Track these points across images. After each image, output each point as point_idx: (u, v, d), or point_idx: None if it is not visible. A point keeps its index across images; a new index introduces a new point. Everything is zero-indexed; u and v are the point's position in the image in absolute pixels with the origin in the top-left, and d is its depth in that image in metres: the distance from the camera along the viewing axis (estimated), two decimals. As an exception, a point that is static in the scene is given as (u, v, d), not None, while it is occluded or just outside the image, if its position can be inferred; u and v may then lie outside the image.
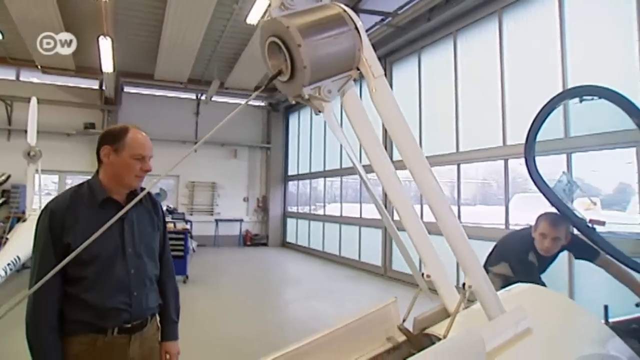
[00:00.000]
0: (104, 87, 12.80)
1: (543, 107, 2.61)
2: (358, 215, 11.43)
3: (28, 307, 1.69)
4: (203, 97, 14.08)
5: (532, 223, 2.87)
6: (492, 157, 7.41)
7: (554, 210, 2.63)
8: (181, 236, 8.11)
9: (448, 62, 8.28)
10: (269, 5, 1.16)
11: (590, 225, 2.54)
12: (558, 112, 5.76)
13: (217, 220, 14.29)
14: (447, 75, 8.29)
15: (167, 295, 2.02)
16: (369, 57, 1.21)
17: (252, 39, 10.16)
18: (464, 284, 1.31)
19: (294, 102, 1.25)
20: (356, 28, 1.18)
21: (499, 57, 7.13)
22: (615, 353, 1.43)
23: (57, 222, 1.73)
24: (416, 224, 1.37)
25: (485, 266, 3.11)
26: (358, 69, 1.23)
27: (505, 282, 2.99)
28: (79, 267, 1.71)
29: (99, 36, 8.80)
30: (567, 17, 6.04)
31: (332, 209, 12.84)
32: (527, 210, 7.80)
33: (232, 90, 13.42)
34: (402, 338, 1.49)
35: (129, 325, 1.81)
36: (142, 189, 1.96)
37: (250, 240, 15.07)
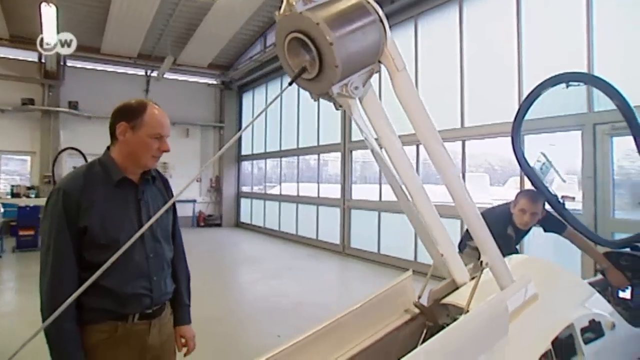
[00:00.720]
0: (43, 60, 11.85)
1: (531, 92, 2.88)
2: (315, 195, 11.63)
3: (45, 296, 1.58)
4: (154, 74, 13.49)
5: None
6: (450, 139, 7.82)
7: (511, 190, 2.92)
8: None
9: (409, 45, 8.54)
10: (287, 2, 1.09)
11: (561, 201, 2.88)
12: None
13: (169, 201, 13.90)
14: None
15: (180, 278, 1.95)
16: (392, 50, 1.22)
17: (209, 14, 9.84)
18: (481, 261, 1.49)
19: (314, 99, 1.22)
20: (380, 20, 1.16)
21: (459, 44, 7.47)
22: (599, 311, 1.69)
23: (72, 204, 1.60)
24: (430, 209, 1.50)
25: (463, 241, 3.39)
26: (379, 62, 1.23)
27: (480, 255, 3.29)
28: (98, 252, 1.62)
29: (40, 3, 8.11)
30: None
31: (289, 189, 12.94)
32: (474, 188, 8.43)
33: (185, 67, 12.97)
34: (418, 310, 1.65)
35: (150, 311, 1.76)
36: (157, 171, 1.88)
37: (203, 221, 14.90)
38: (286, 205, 12.81)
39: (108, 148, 1.78)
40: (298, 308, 5.69)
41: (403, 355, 1.50)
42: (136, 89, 13.60)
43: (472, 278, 1.72)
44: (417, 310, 1.63)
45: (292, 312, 5.54)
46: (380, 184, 9.54)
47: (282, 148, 13.03)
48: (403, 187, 1.44)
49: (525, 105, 2.92)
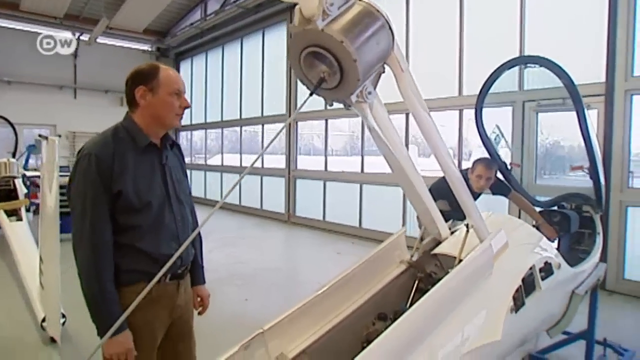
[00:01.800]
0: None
1: (493, 72, 3.31)
2: (259, 165, 11.73)
3: (87, 260, 1.61)
4: (83, 37, 12.44)
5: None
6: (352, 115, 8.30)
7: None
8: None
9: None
10: (300, 13, 1.15)
11: (509, 167, 3.39)
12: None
13: (103, 173, 13.19)
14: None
15: (195, 240, 2.00)
16: (397, 52, 1.33)
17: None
18: (467, 224, 1.81)
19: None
20: (388, 24, 1.25)
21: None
22: (549, 254, 2.15)
23: (106, 169, 1.61)
24: (421, 184, 1.72)
25: None
26: (384, 64, 1.32)
27: (444, 215, 3.76)
28: (132, 216, 1.67)
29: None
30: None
31: (231, 160, 12.89)
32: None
33: (119, 32, 12.14)
34: (414, 259, 1.98)
35: (180, 272, 1.83)
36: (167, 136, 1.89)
37: (141, 194, 14.38)
38: (228, 176, 12.78)
39: (128, 115, 1.78)
40: (258, 273, 5.96)
41: (406, 299, 1.84)
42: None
43: (451, 232, 2.09)
44: (408, 259, 1.95)
45: (253, 277, 5.80)
46: (325, 155, 9.90)
47: (224, 118, 12.86)
48: (405, 173, 1.61)
49: (489, 83, 3.38)
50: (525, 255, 2.03)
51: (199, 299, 2.06)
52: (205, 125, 13.88)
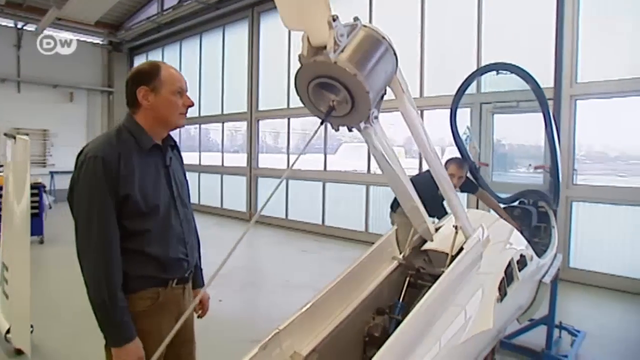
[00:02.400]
0: None
1: (469, 76, 3.52)
2: (220, 164, 11.59)
3: (95, 267, 1.54)
4: (28, 27, 11.70)
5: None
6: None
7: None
8: (35, 191, 6.79)
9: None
10: (307, 41, 1.16)
11: (478, 166, 3.64)
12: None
13: (52, 173, 12.52)
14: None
15: (196, 244, 1.95)
16: (399, 75, 1.37)
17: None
18: (455, 226, 1.96)
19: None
20: (393, 51, 1.27)
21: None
22: (523, 247, 2.37)
23: (113, 172, 1.55)
24: (411, 188, 1.78)
25: (396, 201, 4.01)
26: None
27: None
28: (141, 220, 1.62)
29: None
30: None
31: (190, 158, 12.63)
32: (352, 157, 9.34)
33: (68, 23, 11.45)
34: (404, 256, 2.12)
35: (186, 275, 1.81)
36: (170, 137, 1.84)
37: (95, 194, 13.75)
38: (188, 175, 12.51)
39: (130, 115, 1.72)
40: (227, 274, 5.93)
41: (399, 293, 1.96)
42: (4, 43, 11.73)
43: (436, 229, 2.25)
44: (401, 257, 2.10)
45: (223, 277, 5.75)
46: (288, 154, 9.96)
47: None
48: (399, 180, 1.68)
49: (463, 87, 3.61)
50: (505, 249, 2.23)
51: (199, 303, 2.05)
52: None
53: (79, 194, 1.59)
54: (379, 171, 7.71)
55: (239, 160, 11.00)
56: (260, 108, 10.32)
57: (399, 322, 1.77)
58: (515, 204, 3.97)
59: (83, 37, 13.03)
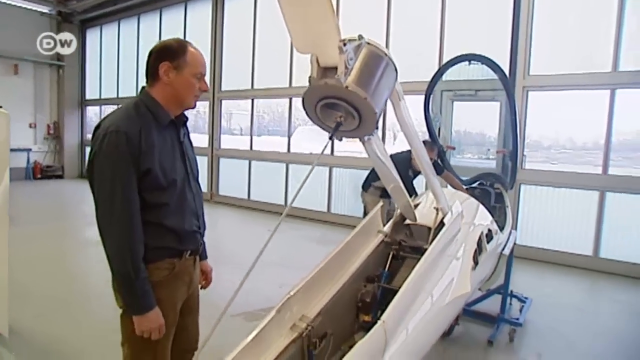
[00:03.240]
0: None
1: (442, 65, 3.77)
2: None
3: (120, 239, 1.59)
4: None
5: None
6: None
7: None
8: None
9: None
10: (317, 62, 1.24)
11: (445, 149, 3.94)
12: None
13: (-4, 151, 11.75)
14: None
15: (202, 217, 1.99)
16: (397, 85, 1.51)
17: None
18: (436, 208, 2.21)
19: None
20: (394, 66, 1.37)
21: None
22: (489, 222, 2.68)
23: (135, 146, 1.58)
24: (395, 174, 1.99)
25: (368, 182, 4.27)
26: None
27: (382, 192, 4.24)
28: (159, 194, 1.66)
29: None
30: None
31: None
32: (308, 140, 9.59)
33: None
34: (387, 230, 2.35)
35: (198, 246, 1.89)
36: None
37: (41, 172, 13.17)
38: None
39: (145, 89, 1.75)
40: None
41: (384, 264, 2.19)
42: None
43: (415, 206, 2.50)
44: (385, 230, 2.33)
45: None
46: (251, 135, 9.96)
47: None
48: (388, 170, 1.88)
49: (437, 76, 3.86)
50: (477, 224, 2.54)
51: (202, 274, 2.12)
52: (117, 101, 12.97)
53: (100, 167, 1.60)
54: (341, 153, 8.00)
55: (201, 140, 10.86)
56: (224, 88, 10.23)
57: (384, 289, 2.03)
58: (475, 185, 4.35)
59: (29, 5, 12.18)
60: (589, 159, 6.69)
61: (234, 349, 1.40)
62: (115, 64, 12.68)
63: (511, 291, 4.01)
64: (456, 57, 3.83)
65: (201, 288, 2.17)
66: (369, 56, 1.29)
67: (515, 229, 6.28)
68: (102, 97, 13.28)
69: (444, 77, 6.62)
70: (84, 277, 4.97)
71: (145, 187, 1.64)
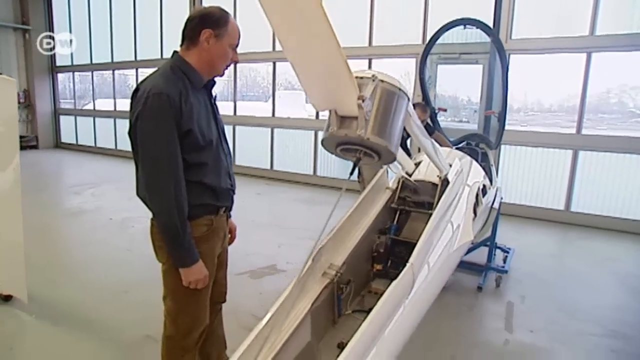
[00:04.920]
0: None
1: (438, 30, 3.90)
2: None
3: (168, 197, 1.66)
4: None
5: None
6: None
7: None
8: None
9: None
10: (336, 115, 1.31)
11: (437, 111, 4.15)
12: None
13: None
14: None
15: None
16: (410, 109, 1.59)
17: None
18: (438, 176, 2.40)
19: None
20: (406, 94, 1.42)
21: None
22: (482, 178, 2.93)
23: (177, 108, 1.65)
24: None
25: None
26: None
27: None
28: (198, 154, 1.75)
29: None
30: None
31: (124, 104, 12.02)
32: (287, 105, 9.64)
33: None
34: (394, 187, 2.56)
35: (231, 204, 2.02)
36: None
37: (13, 143, 12.66)
38: (123, 122, 11.97)
39: (176, 52, 1.80)
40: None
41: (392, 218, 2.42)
42: None
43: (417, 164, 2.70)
44: (392, 187, 2.54)
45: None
46: (234, 101, 9.89)
47: (115, 60, 11.76)
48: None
49: (433, 40, 4.00)
50: (475, 178, 2.78)
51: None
52: (91, 67, 12.51)
53: (145, 128, 1.66)
54: (325, 117, 8.12)
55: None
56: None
57: (392, 240, 2.25)
58: (461, 145, 4.59)
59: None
60: (555, 121, 7.08)
61: (280, 295, 1.56)
62: (86, 29, 12.14)
63: (495, 243, 4.35)
64: (452, 22, 3.97)
65: (228, 244, 2.27)
66: (384, 98, 1.34)
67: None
68: (75, 63, 12.76)
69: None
70: (80, 246, 5.05)
71: (185, 148, 1.71)
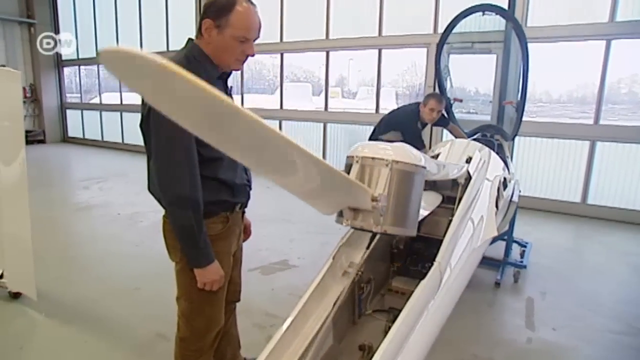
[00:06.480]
0: None
1: (455, 17, 3.76)
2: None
3: (182, 192, 1.56)
4: None
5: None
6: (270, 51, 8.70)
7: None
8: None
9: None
10: (351, 212, 1.23)
11: (452, 102, 4.02)
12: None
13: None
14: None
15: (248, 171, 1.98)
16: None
17: None
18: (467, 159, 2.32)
19: None
20: (424, 168, 1.31)
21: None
22: (502, 170, 2.81)
23: None
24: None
25: (375, 136, 4.34)
26: None
27: (391, 146, 4.34)
28: (213, 148, 1.68)
29: None
30: None
31: (131, 98, 11.94)
32: (294, 96, 9.56)
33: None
34: None
35: (247, 200, 1.92)
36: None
37: (21, 138, 12.70)
38: (129, 116, 11.93)
39: (191, 40, 1.69)
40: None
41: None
42: None
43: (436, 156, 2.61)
44: None
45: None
46: (242, 94, 9.77)
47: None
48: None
49: (451, 26, 3.87)
50: (495, 171, 2.67)
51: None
52: (97, 60, 12.41)
53: (158, 121, 1.52)
54: (334, 109, 8.00)
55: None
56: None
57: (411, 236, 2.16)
58: (476, 136, 4.47)
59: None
60: (564, 112, 6.92)
61: (302, 295, 1.49)
62: (92, 22, 12.06)
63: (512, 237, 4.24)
64: (470, 8, 3.82)
65: (243, 241, 2.19)
66: (401, 182, 1.24)
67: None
68: (81, 57, 12.70)
69: (440, 29, 6.66)
70: (89, 241, 5.00)
71: (200, 141, 1.59)
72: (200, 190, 1.62)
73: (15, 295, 3.45)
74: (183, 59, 1.63)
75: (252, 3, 1.63)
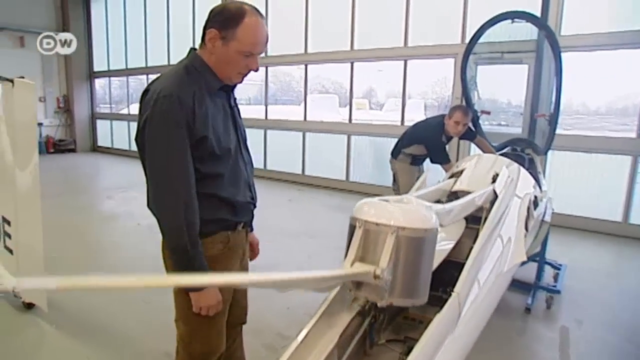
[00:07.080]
0: None
1: (482, 25, 3.58)
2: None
3: (176, 211, 1.46)
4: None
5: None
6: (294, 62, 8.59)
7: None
8: None
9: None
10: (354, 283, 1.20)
11: (479, 114, 3.81)
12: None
13: (8, 126, 11.69)
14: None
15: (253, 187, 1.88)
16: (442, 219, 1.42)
17: None
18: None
19: None
20: (436, 229, 1.22)
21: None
22: (532, 188, 2.59)
23: (189, 112, 1.44)
24: None
25: (397, 149, 4.16)
26: None
27: (412, 159, 4.14)
28: (214, 164, 1.54)
29: None
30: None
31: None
32: (320, 108, 9.42)
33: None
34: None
35: (251, 218, 1.81)
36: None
37: (53, 147, 13.17)
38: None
39: (194, 50, 1.61)
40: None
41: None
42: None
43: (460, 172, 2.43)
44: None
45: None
46: (265, 105, 9.75)
47: (149, 64, 11.93)
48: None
49: (477, 36, 3.68)
50: (525, 189, 2.45)
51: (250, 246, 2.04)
52: (126, 72, 12.78)
53: (153, 135, 1.46)
54: (358, 121, 7.84)
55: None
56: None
57: None
58: (505, 150, 4.22)
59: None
60: (603, 124, 6.52)
61: (306, 324, 1.34)
62: (122, 35, 12.42)
63: (545, 258, 3.95)
64: (498, 15, 3.62)
65: (249, 260, 2.07)
66: (409, 251, 1.14)
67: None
68: (111, 68, 13.07)
69: (467, 39, 6.43)
70: (109, 251, 4.99)
71: (199, 157, 1.50)
72: (196, 211, 1.52)
73: (29, 306, 3.41)
74: (182, 68, 1.55)
75: (261, 15, 1.55)
